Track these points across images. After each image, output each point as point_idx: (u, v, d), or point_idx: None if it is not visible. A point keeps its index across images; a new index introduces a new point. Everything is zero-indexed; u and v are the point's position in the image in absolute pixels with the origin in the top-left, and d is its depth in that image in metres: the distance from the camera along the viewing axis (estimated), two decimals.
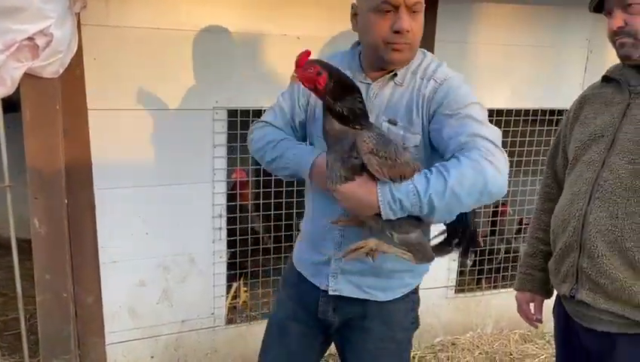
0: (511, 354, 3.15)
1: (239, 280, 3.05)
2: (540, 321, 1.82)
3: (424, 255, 1.37)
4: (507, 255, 3.40)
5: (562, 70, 2.96)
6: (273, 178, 2.60)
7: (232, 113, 2.49)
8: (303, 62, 1.28)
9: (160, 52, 2.29)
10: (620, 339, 1.45)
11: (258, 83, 2.46)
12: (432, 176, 1.20)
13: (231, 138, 2.53)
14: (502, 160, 1.22)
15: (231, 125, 2.51)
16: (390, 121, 1.41)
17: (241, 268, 2.91)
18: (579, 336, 1.58)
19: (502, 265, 3.40)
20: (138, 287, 2.49)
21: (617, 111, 1.48)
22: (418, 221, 1.29)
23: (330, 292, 1.53)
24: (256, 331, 2.79)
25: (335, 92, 1.28)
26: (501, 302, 3.25)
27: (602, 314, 1.48)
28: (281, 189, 2.68)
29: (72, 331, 1.94)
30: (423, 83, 1.40)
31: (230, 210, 2.61)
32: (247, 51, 2.44)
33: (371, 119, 1.39)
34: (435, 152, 1.40)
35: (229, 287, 2.73)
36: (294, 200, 2.71)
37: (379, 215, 1.24)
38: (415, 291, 1.60)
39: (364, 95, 1.37)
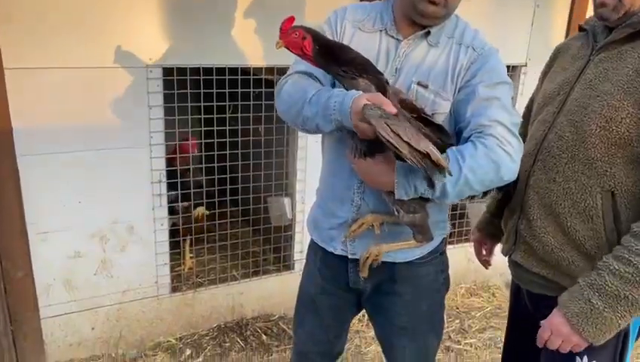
0: (457, 308, 3.23)
1: (184, 246, 2.95)
2: (489, 263, 1.83)
3: (423, 236, 1.39)
4: (454, 212, 3.44)
5: (509, 25, 2.92)
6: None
7: (167, 71, 2.33)
8: (286, 28, 1.25)
9: (86, 4, 2.08)
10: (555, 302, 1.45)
11: (196, 39, 2.30)
12: (450, 164, 1.21)
13: (168, 98, 2.37)
14: (517, 147, 1.26)
15: (167, 85, 2.35)
16: (420, 84, 1.36)
17: (184, 235, 2.81)
18: (523, 295, 1.59)
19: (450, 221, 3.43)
20: (73, 259, 2.35)
21: (576, 68, 1.43)
22: (426, 201, 1.32)
23: (350, 256, 1.50)
24: (203, 298, 2.72)
25: (324, 54, 1.26)
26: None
27: (535, 277, 1.48)
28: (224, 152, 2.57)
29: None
30: (461, 49, 1.37)
31: (171, 175, 2.48)
32: (184, 4, 2.26)
33: (399, 80, 1.36)
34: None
35: (174, 254, 2.63)
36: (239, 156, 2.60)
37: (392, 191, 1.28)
38: (442, 252, 1.58)
39: (392, 52, 1.38)
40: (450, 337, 2.93)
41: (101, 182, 2.31)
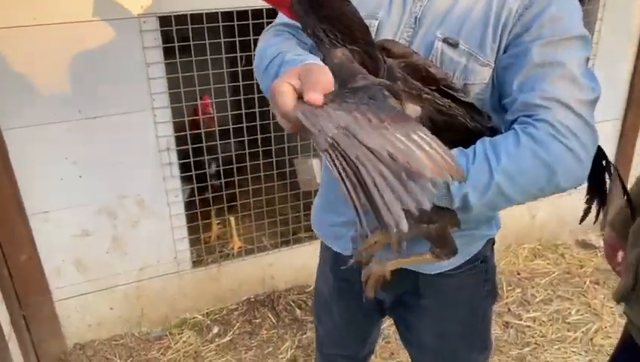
0: (518, 274, 2.84)
1: (210, 216, 2.69)
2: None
3: (442, 249, 1.00)
4: None
5: None
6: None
7: (165, 21, 1.97)
8: None
9: None
10: None
11: None
12: (474, 165, 0.84)
13: (169, 53, 2.03)
14: (586, 139, 0.84)
15: (167, 37, 2.00)
16: (447, 41, 0.96)
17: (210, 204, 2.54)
18: None
19: None
20: (81, 238, 2.15)
21: None
22: (447, 210, 0.91)
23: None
24: (229, 271, 2.48)
25: (306, 1, 0.85)
26: (505, 213, 2.88)
27: None
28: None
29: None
30: None
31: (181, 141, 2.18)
32: None
33: (417, 35, 0.97)
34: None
35: (192, 228, 2.38)
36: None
37: None
38: (485, 259, 1.19)
39: None
40: (509, 310, 2.57)
41: (102, 154, 2.05)
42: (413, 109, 0.89)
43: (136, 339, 2.38)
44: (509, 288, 2.70)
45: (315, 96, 0.64)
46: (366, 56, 0.86)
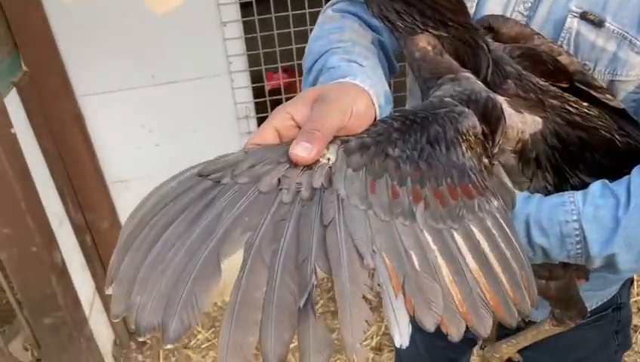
0: None
1: None
2: None
3: (566, 313, 0.76)
4: None
5: None
6: None
7: None
8: None
9: None
10: None
11: None
12: (628, 211, 0.58)
13: (247, 11, 1.81)
14: None
15: None
16: (587, 18, 0.66)
17: None
18: None
19: None
20: None
21: None
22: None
23: None
24: None
25: None
26: None
27: None
28: None
29: (56, 287, 1.61)
30: None
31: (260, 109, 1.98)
32: None
33: (538, 9, 0.69)
34: None
35: None
36: None
37: None
38: (619, 306, 0.92)
39: None
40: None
41: (178, 122, 1.92)
42: (531, 122, 0.60)
43: (219, 309, 2.33)
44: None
45: (302, 153, 0.46)
46: (460, 43, 0.59)
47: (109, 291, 0.45)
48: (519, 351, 0.90)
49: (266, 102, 1.99)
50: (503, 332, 0.87)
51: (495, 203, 0.50)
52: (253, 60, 1.89)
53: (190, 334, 2.22)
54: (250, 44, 1.85)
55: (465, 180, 0.49)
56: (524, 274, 0.49)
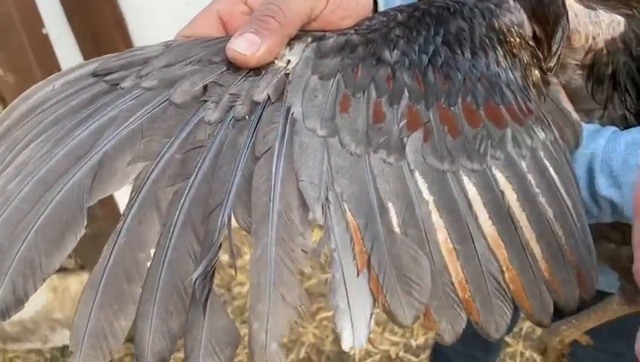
0: None
1: None
2: None
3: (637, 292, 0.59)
4: None
5: None
6: None
7: None
8: None
9: None
10: None
11: None
12: None
13: None
14: None
15: None
16: None
17: None
18: None
19: None
20: None
21: None
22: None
23: None
24: None
25: None
26: None
27: None
28: None
29: None
30: None
31: None
32: None
33: None
34: None
35: None
36: None
37: None
38: None
39: None
40: None
41: None
42: (608, 23, 0.40)
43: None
44: None
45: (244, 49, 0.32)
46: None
47: None
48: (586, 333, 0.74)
49: None
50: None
51: (542, 135, 0.32)
52: None
53: None
54: None
55: (495, 99, 0.32)
56: (573, 245, 0.32)
